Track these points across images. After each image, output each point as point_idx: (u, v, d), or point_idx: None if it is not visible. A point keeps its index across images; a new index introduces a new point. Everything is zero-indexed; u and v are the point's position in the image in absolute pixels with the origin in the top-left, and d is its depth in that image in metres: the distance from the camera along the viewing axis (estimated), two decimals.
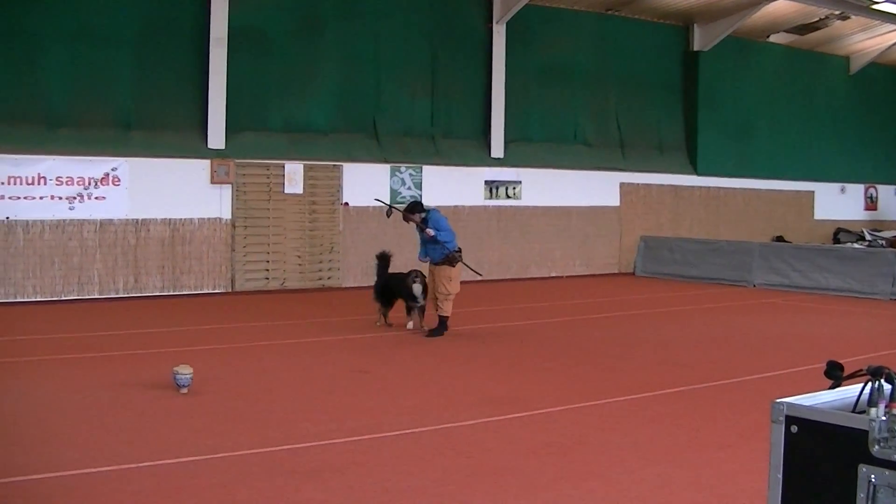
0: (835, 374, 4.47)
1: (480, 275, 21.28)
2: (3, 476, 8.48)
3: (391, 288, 18.59)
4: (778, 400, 4.18)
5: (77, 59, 21.95)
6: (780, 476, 4.16)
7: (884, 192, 41.01)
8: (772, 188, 35.57)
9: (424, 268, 18.29)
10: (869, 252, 27.35)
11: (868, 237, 37.08)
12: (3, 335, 16.79)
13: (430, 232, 17.77)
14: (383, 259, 18.96)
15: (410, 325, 18.27)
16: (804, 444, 4.09)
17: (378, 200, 21.50)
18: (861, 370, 4.19)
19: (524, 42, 28.78)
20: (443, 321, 17.91)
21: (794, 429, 4.12)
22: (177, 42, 23.20)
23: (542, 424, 10.91)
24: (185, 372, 12.01)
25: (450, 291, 17.87)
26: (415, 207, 18.48)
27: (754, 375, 14.18)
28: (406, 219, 18.42)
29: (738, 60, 34.36)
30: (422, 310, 18.26)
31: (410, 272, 18.09)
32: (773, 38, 35.79)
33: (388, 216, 19.71)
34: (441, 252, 17.93)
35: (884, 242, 35.35)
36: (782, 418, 4.16)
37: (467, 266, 19.16)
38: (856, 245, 33.19)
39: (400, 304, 18.60)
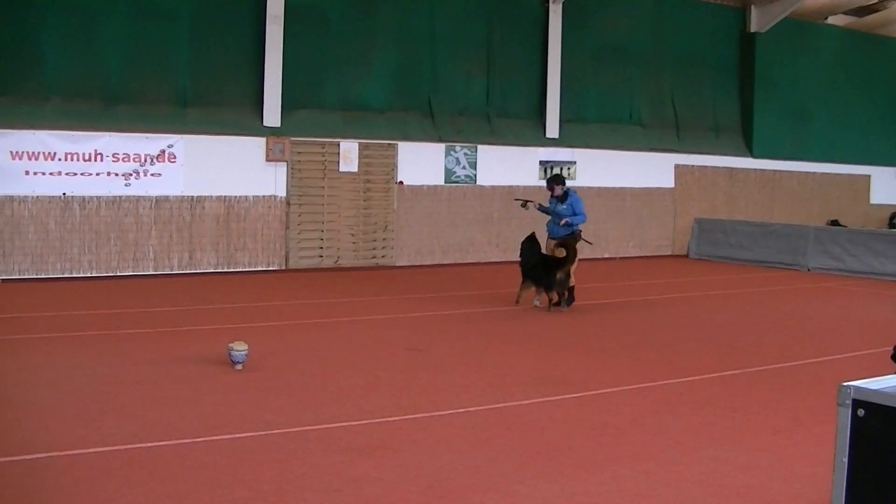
0: None
1: (591, 243, 21.81)
2: (61, 449, 8.56)
3: (542, 267, 18.75)
4: (845, 383, 4.15)
5: (135, 36, 22.03)
6: (846, 460, 4.13)
7: None
8: (827, 172, 35.32)
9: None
10: None
11: None
12: (60, 310, 16.93)
13: (565, 219, 18.95)
14: (532, 242, 19.17)
15: (538, 301, 18.88)
16: (871, 428, 4.06)
17: (517, 200, 21.52)
18: None
19: (580, 21, 28.67)
20: (571, 291, 18.77)
21: (861, 412, 4.08)
22: (234, 19, 23.25)
23: (597, 405, 10.89)
24: (240, 348, 12.06)
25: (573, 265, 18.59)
26: (558, 179, 19.70)
27: (810, 360, 14.10)
28: (550, 188, 19.46)
29: (796, 42, 34.08)
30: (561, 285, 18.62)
31: (561, 259, 18.48)
32: (830, 20, 35.48)
33: (526, 208, 20.26)
34: (568, 229, 18.98)
35: None
36: (849, 402, 4.12)
37: (584, 240, 19.94)
38: None
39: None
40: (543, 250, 19.04)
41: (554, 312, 18.15)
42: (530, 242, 19.09)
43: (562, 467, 8.48)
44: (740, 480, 8.27)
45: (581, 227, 19.35)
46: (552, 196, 19.45)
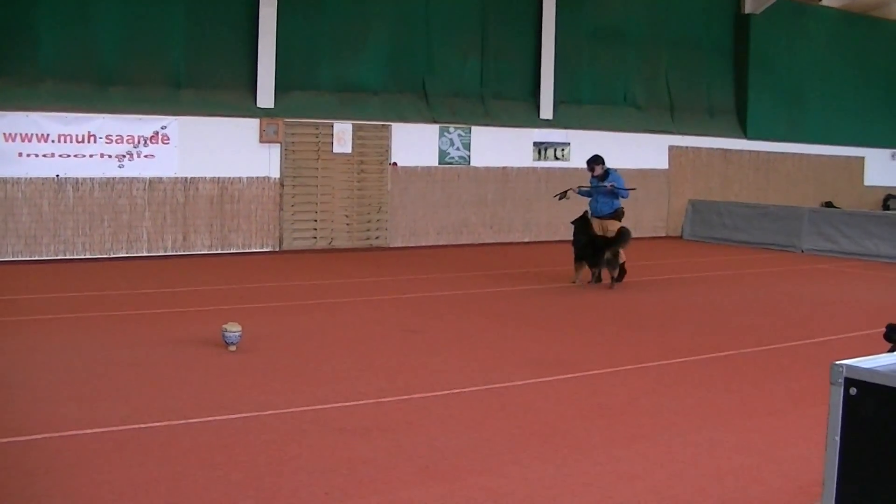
0: (894, 338, 4.44)
1: (635, 189, 22.35)
2: (55, 430, 8.56)
3: (591, 247, 19.31)
4: (837, 362, 4.15)
5: (128, 17, 21.98)
6: (838, 439, 4.14)
7: None
8: (822, 153, 35.35)
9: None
10: None
11: None
12: (54, 291, 16.94)
13: (610, 185, 19.61)
14: (584, 221, 19.68)
15: (578, 279, 19.58)
16: (863, 407, 4.06)
17: (555, 196, 21.67)
18: None
19: (575, 2, 28.66)
20: (622, 268, 19.47)
21: (853, 391, 4.09)
22: (227, 0, 23.19)
23: (592, 386, 10.91)
24: (233, 329, 12.07)
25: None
26: (598, 159, 20.07)
27: (805, 340, 14.12)
28: (590, 168, 20.03)
29: (790, 24, 34.09)
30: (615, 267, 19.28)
31: (610, 239, 19.15)
32: (825, 2, 35.48)
33: (567, 197, 20.65)
34: (611, 206, 19.75)
35: None
36: (841, 380, 4.13)
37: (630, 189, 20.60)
38: None
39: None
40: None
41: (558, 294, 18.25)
42: (582, 222, 19.60)
43: (556, 448, 8.49)
44: (735, 461, 8.28)
45: (623, 202, 20.08)
46: (593, 176, 20.08)
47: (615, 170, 20.37)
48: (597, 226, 19.64)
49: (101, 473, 7.50)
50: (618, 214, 19.80)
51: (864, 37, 36.87)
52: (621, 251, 19.17)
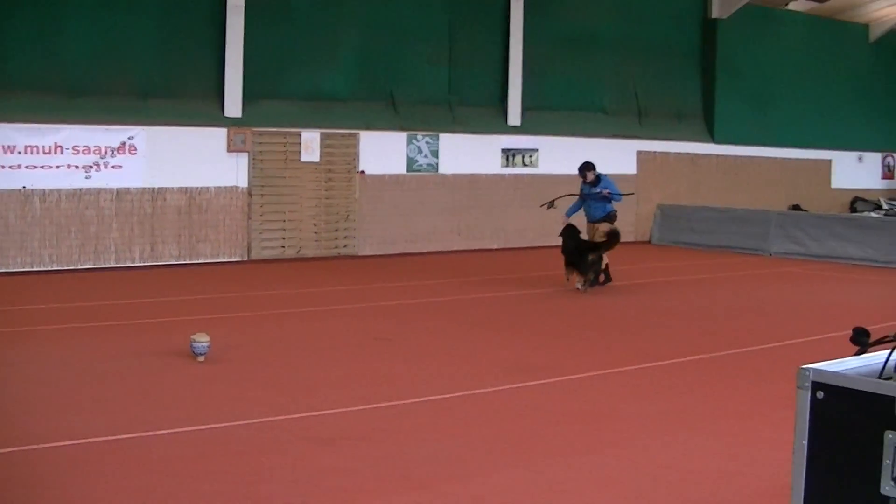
0: (861, 341, 4.44)
1: (632, 193, 23.80)
2: (25, 444, 8.52)
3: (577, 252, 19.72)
4: (804, 366, 4.16)
5: (95, 28, 21.86)
6: (806, 443, 4.15)
7: None
8: (789, 157, 35.46)
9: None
10: (886, 221, 27.31)
11: (885, 206, 36.97)
12: (21, 304, 16.82)
13: (605, 191, 20.03)
14: (571, 228, 20.02)
15: (580, 284, 19.55)
16: (830, 411, 4.08)
17: (542, 205, 21.90)
18: (888, 336, 4.17)
19: (542, 9, 28.67)
20: (606, 272, 20.16)
21: (820, 395, 4.10)
22: (195, 10, 23.11)
23: (567, 392, 10.94)
24: (202, 340, 12.03)
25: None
26: (589, 165, 20.50)
27: (776, 343, 14.19)
28: (582, 175, 20.49)
29: (758, 28, 34.21)
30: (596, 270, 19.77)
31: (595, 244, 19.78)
32: (792, 6, 35.61)
33: (554, 206, 21.16)
34: (603, 210, 20.19)
35: None
36: (808, 384, 4.14)
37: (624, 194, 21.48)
38: (873, 214, 33.08)
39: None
40: (584, 234, 20.13)
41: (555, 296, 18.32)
42: (569, 230, 19.93)
43: (532, 455, 8.51)
44: (712, 465, 8.33)
45: (616, 206, 20.52)
46: (585, 182, 20.49)
47: (606, 175, 20.77)
48: (590, 230, 20.16)
49: (75, 486, 7.47)
50: (610, 217, 20.20)
51: (830, 40, 37.05)
52: (604, 255, 19.71)
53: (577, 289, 19.38)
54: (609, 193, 20.02)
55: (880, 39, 38.55)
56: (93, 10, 21.79)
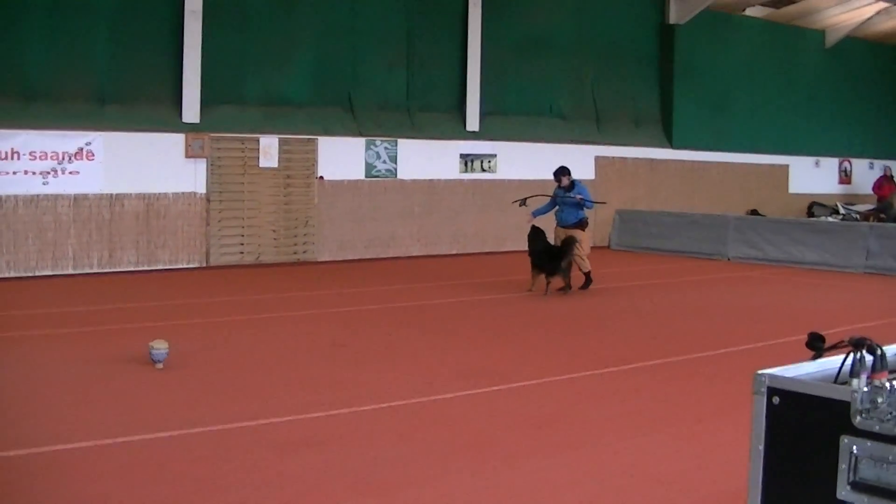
0: (816, 346, 4.47)
1: (605, 202, 25.11)
2: None
3: (546, 255, 19.93)
4: (760, 371, 4.18)
5: (52, 32, 21.73)
6: (762, 448, 4.17)
7: (858, 165, 41.16)
8: (747, 161, 35.66)
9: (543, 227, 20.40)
10: (843, 225, 27.49)
11: (842, 211, 37.19)
12: None
13: (579, 197, 20.31)
14: (537, 232, 20.13)
15: (534, 287, 19.99)
16: (786, 416, 4.10)
17: (515, 201, 22.28)
18: (843, 341, 4.20)
19: (500, 14, 28.72)
20: (588, 276, 20.50)
21: (776, 400, 4.12)
22: (152, 14, 23.01)
23: (522, 397, 10.93)
24: (160, 347, 11.98)
25: (585, 251, 20.46)
26: (564, 171, 20.67)
27: (732, 348, 14.24)
28: (557, 179, 20.62)
29: (715, 34, 34.38)
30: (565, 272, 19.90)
31: (564, 246, 19.92)
32: (749, 12, 35.86)
33: (526, 205, 21.28)
34: (576, 216, 20.44)
35: (857, 216, 35.42)
36: (764, 389, 4.16)
37: (597, 203, 22.67)
38: (830, 219, 33.27)
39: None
40: (552, 239, 20.30)
41: (538, 298, 18.29)
42: (535, 232, 20.02)
43: (487, 460, 8.50)
44: (665, 469, 8.34)
45: (587, 212, 20.87)
46: (559, 187, 20.65)
47: (580, 181, 21.16)
48: (561, 235, 20.25)
49: (27, 495, 7.42)
50: (582, 224, 20.44)
51: (787, 46, 37.29)
52: (586, 259, 20.20)
53: (531, 290, 19.76)
54: (582, 199, 20.26)
55: (836, 45, 38.82)
56: (49, 15, 21.66)
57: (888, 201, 35.43)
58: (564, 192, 20.49)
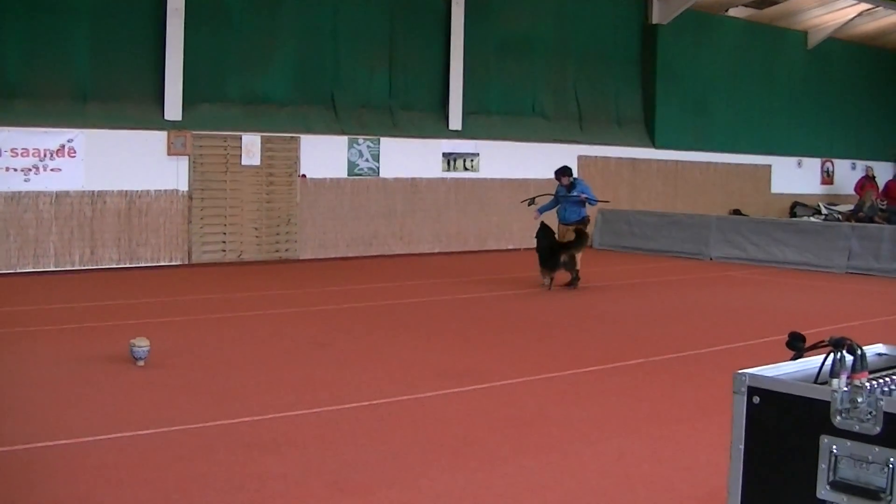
0: (797, 346, 4.47)
1: (608, 201, 25.45)
2: None
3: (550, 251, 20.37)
4: (740, 371, 4.18)
5: (33, 30, 21.68)
6: (742, 447, 4.17)
7: (840, 166, 41.29)
8: (729, 162, 35.75)
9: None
10: (825, 226, 27.55)
11: (824, 211, 37.34)
12: None
13: (583, 196, 20.79)
14: (545, 229, 20.53)
15: (547, 281, 20.51)
16: (766, 416, 4.10)
17: (523, 201, 22.81)
18: (823, 341, 4.20)
19: (483, 14, 28.73)
20: (576, 275, 20.70)
21: (756, 400, 4.12)
22: (134, 13, 22.97)
23: (502, 397, 10.91)
24: (141, 344, 11.95)
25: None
26: (566, 170, 21.16)
27: (713, 348, 14.24)
28: (558, 179, 21.13)
29: (697, 34, 34.45)
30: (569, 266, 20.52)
31: (575, 241, 20.45)
32: (731, 12, 35.92)
33: (531, 204, 21.74)
34: (578, 214, 20.88)
35: (839, 216, 35.53)
36: (744, 389, 4.16)
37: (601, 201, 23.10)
38: (812, 219, 33.34)
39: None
40: (557, 236, 20.64)
41: (534, 295, 18.58)
42: (543, 229, 20.39)
43: (466, 460, 8.48)
44: (644, 470, 8.33)
45: (589, 210, 21.41)
46: (560, 185, 21.10)
47: (582, 179, 21.70)
48: (563, 232, 20.70)
49: (5, 494, 7.38)
50: (584, 222, 20.88)
51: (769, 46, 37.39)
52: (577, 256, 20.36)
53: (548, 287, 20.24)
54: (586, 198, 20.68)
55: (818, 47, 38.93)
56: (30, 12, 21.62)
57: (861, 200, 35.50)
58: (566, 191, 20.89)
